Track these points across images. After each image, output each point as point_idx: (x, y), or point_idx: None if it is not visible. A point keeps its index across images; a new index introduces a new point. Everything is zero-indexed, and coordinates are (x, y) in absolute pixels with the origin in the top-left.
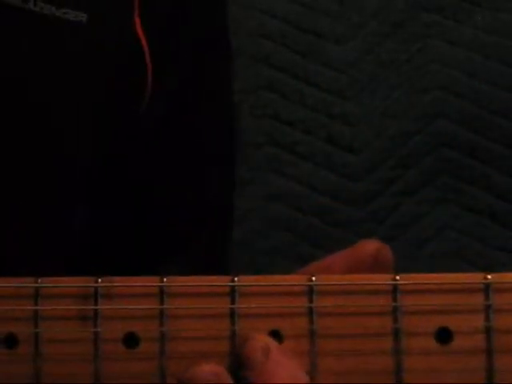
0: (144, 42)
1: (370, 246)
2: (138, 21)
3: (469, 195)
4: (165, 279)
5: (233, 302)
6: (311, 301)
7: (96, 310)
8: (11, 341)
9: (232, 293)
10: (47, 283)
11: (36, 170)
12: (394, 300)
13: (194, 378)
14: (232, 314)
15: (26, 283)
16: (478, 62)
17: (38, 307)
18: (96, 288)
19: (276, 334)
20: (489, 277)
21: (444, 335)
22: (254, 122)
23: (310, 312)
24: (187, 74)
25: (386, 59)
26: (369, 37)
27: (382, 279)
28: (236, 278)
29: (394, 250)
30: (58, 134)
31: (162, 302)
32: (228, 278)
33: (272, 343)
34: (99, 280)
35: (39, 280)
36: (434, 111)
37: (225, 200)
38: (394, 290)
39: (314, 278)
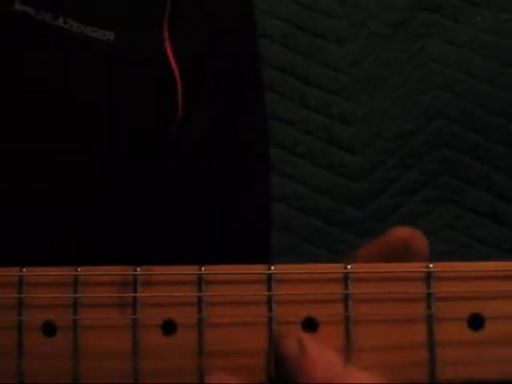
0: (173, 62)
1: (400, 233)
2: (167, 43)
3: (469, 195)
4: (203, 268)
5: (269, 289)
6: (346, 288)
7: (135, 297)
8: (49, 328)
9: (269, 280)
10: (86, 272)
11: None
12: (428, 287)
13: None
14: (269, 301)
15: (65, 272)
16: (477, 61)
17: (77, 295)
18: (135, 276)
19: (311, 321)
20: None
21: (476, 322)
22: None
23: (346, 299)
24: (224, 94)
25: (386, 59)
26: (369, 37)
27: (416, 267)
28: (272, 267)
29: None
30: (87, 152)
31: (200, 290)
32: (265, 266)
33: (306, 339)
34: (138, 269)
35: (78, 269)
36: (434, 111)
37: (264, 213)
38: (428, 277)
39: (349, 266)
